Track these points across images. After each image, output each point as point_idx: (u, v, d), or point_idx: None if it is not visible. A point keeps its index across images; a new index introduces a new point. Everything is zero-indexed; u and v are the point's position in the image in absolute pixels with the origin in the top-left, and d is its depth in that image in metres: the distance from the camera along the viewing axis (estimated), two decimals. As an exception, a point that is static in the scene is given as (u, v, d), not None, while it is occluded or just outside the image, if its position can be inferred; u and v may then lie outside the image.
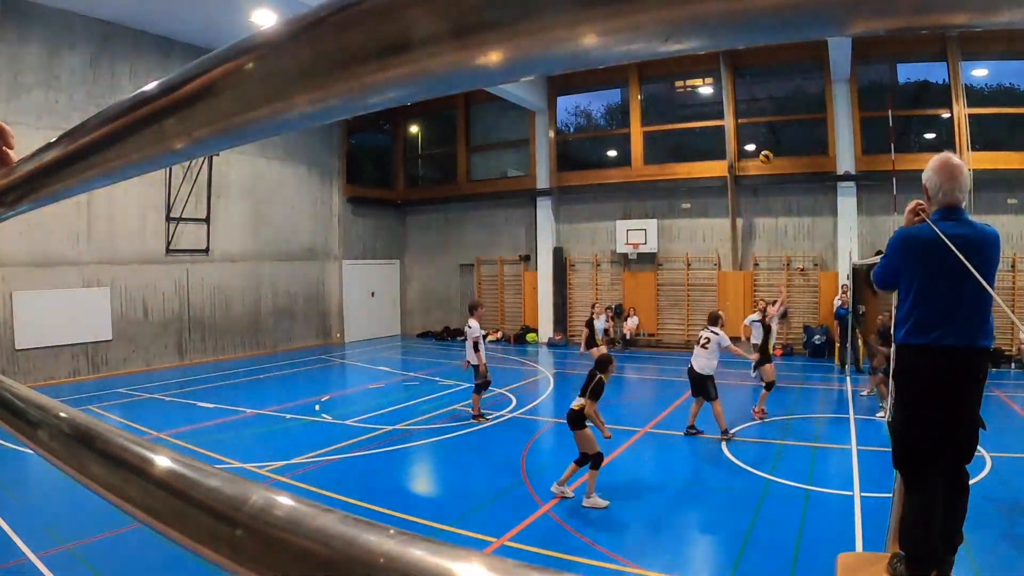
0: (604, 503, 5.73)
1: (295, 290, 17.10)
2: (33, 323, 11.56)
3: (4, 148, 0.79)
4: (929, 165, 2.99)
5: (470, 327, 8.85)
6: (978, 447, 3.12)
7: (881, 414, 8.20)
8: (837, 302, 13.05)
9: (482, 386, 8.94)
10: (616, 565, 4.63)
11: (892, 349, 3.49)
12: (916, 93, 14.31)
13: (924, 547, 3.07)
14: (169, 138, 0.43)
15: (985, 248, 2.83)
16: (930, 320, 2.89)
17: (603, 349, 11.27)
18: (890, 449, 3.14)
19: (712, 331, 7.97)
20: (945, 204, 2.93)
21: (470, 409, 9.14)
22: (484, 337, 9.22)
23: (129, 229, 13.21)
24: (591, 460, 5.79)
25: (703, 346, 7.91)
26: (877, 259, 3.48)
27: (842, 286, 13.36)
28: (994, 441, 6.46)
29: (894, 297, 3.40)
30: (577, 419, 5.87)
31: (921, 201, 3.05)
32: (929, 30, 0.22)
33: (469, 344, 8.80)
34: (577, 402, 5.95)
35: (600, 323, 12.52)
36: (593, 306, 13.25)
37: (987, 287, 2.73)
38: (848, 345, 12.33)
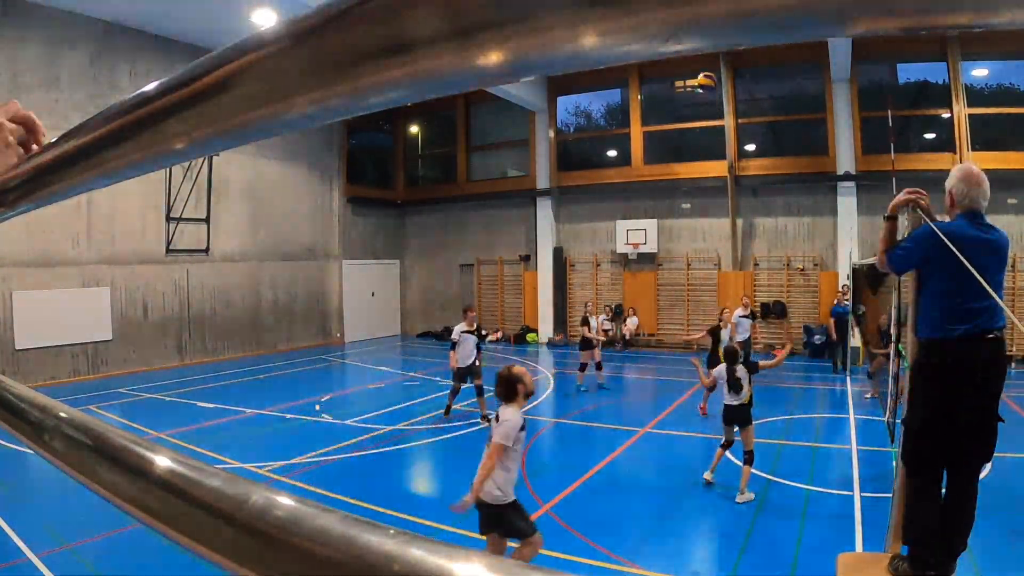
0: (752, 496, 5.92)
1: (295, 290, 17.10)
2: (33, 323, 11.56)
3: (33, 145, 0.81)
4: (953, 173, 3.21)
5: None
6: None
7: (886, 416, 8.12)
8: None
9: (454, 392, 8.67)
10: (616, 565, 4.63)
11: (892, 347, 3.54)
12: (916, 93, 14.31)
13: (933, 548, 3.08)
14: (169, 138, 0.43)
15: (1004, 251, 3.10)
16: (960, 314, 3.02)
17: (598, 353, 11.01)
18: (890, 449, 3.16)
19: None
20: (969, 209, 3.14)
21: (471, 409, 9.15)
22: (472, 340, 8.75)
23: (129, 229, 13.21)
24: (750, 457, 5.99)
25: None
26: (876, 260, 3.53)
27: (842, 286, 13.35)
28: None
29: (893, 297, 3.48)
30: (748, 414, 6.07)
31: (920, 190, 3.28)
32: (929, 30, 0.22)
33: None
34: (736, 398, 6.10)
35: (595, 321, 11.61)
36: (587, 304, 12.51)
37: (986, 286, 2.80)
38: (843, 346, 12.24)
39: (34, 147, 0.80)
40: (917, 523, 3.15)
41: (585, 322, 11.13)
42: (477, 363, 8.72)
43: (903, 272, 3.45)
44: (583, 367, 10.98)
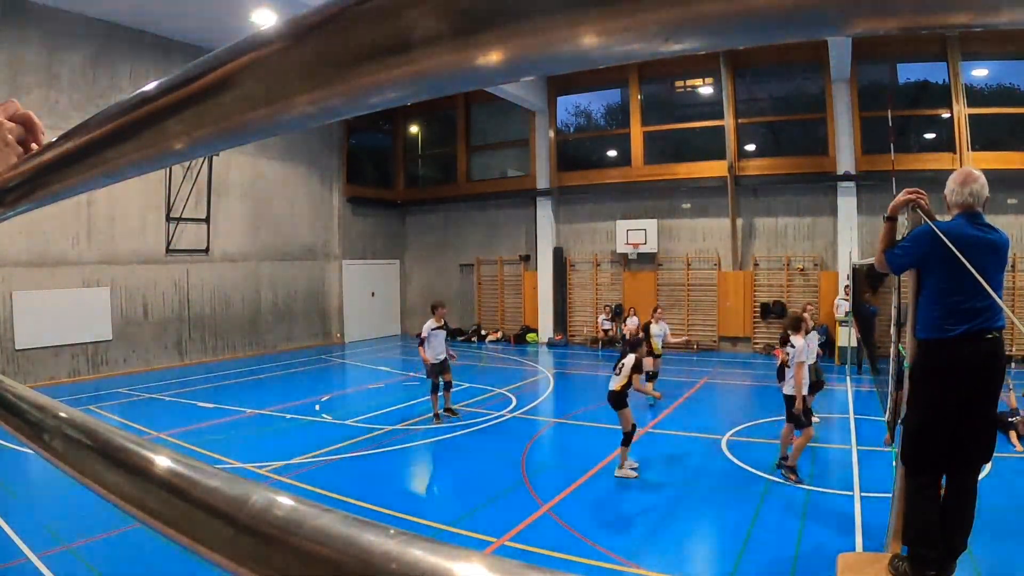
0: (634, 474, 6.49)
1: (295, 290, 17.10)
2: (33, 323, 11.56)
3: (33, 144, 0.80)
4: (950, 176, 3.28)
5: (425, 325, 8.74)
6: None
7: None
8: (846, 304, 12.76)
9: (434, 387, 8.61)
10: (616, 565, 4.63)
11: (894, 347, 3.56)
12: (916, 93, 14.31)
13: (932, 547, 3.09)
14: (169, 138, 0.43)
15: (1003, 251, 3.11)
16: (958, 313, 3.04)
17: (658, 363, 10.18)
18: (890, 449, 3.17)
19: (793, 342, 6.31)
20: (966, 208, 3.17)
21: (470, 409, 9.16)
22: (442, 335, 8.69)
23: (129, 229, 13.21)
24: (626, 436, 6.48)
25: (785, 362, 6.38)
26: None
27: (844, 287, 13.33)
28: (994, 441, 6.44)
29: (893, 297, 3.50)
30: (619, 399, 6.51)
31: (919, 190, 3.34)
32: (929, 30, 0.22)
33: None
34: (617, 382, 6.54)
35: (659, 328, 10.43)
36: (656, 310, 11.18)
37: (986, 286, 2.81)
38: (865, 346, 12.04)
39: (33, 146, 0.80)
40: (916, 523, 3.16)
41: (646, 328, 10.32)
42: (447, 359, 8.70)
43: (900, 272, 3.48)
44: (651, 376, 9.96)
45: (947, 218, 3.28)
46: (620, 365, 6.64)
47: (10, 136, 0.78)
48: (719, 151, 15.29)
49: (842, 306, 12.92)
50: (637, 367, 6.64)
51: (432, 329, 8.59)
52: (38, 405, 0.65)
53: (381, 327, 19.49)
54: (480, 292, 18.97)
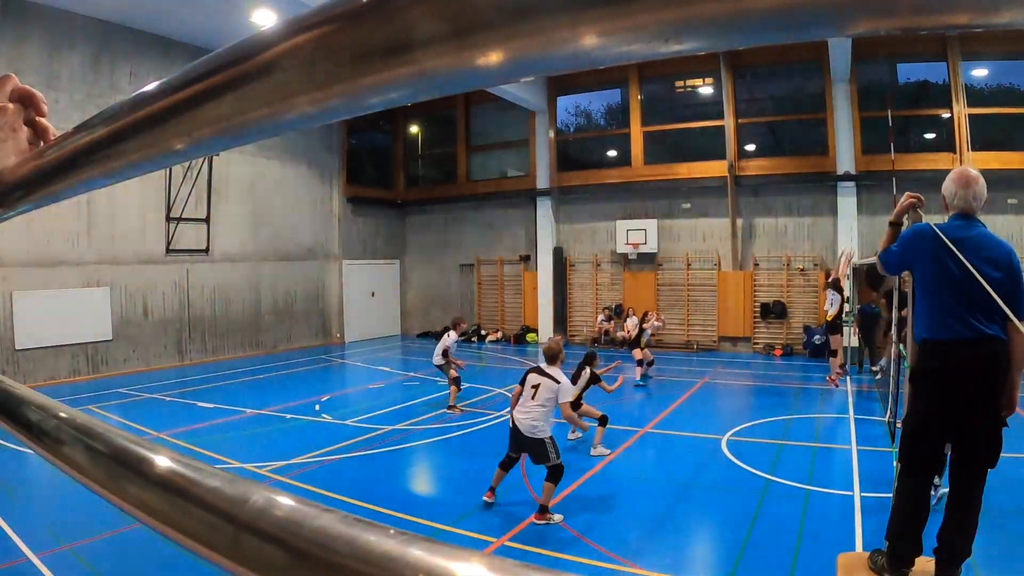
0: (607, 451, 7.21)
1: (295, 290, 17.09)
2: (33, 323, 11.56)
3: (38, 118, 0.76)
4: (948, 176, 3.27)
5: (448, 336, 9.80)
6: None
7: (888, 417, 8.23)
8: (837, 300, 12.69)
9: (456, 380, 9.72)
10: (616, 565, 4.63)
11: (895, 347, 3.58)
12: (916, 93, 14.31)
13: (913, 545, 3.09)
14: (169, 138, 0.43)
15: (996, 252, 3.03)
16: (948, 314, 3.01)
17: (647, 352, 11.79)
18: (890, 449, 3.18)
19: (549, 374, 5.67)
20: (959, 209, 3.16)
21: (470, 409, 9.18)
22: (455, 344, 9.94)
23: (129, 229, 13.20)
24: (601, 419, 7.20)
25: (533, 397, 5.57)
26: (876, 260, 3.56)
27: (836, 280, 13.26)
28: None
29: (894, 298, 3.53)
30: (573, 405, 6.97)
31: (919, 193, 3.39)
32: (929, 30, 0.22)
33: (439, 348, 9.77)
34: (572, 392, 7.19)
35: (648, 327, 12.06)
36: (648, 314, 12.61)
37: (983, 282, 2.81)
38: (868, 346, 12.07)
39: (41, 120, 0.78)
40: (899, 521, 3.15)
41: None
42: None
43: (894, 272, 3.54)
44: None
45: (945, 219, 3.28)
46: (577, 375, 7.35)
47: (18, 119, 0.75)
48: (719, 151, 15.29)
49: (835, 302, 12.28)
50: (595, 379, 7.57)
51: (456, 340, 9.86)
52: (38, 405, 0.65)
53: (381, 327, 19.48)
54: (480, 292, 18.96)
